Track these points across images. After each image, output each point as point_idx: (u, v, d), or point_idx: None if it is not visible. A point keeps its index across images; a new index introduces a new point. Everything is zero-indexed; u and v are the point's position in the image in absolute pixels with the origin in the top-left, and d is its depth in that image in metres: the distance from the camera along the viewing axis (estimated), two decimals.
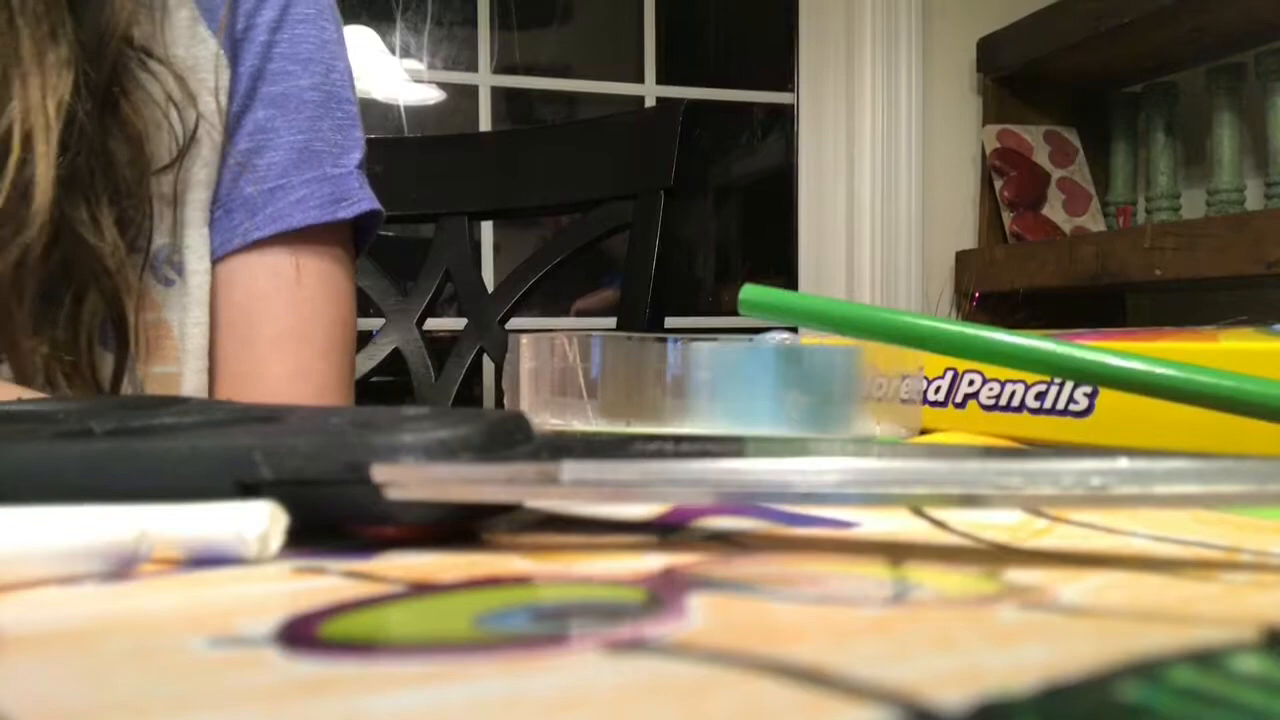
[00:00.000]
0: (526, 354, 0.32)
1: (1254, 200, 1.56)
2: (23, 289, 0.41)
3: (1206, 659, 0.11)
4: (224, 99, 0.48)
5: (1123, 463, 0.15)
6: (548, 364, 0.32)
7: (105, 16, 0.43)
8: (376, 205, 0.53)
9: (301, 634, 0.13)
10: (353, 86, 0.53)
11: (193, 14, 0.48)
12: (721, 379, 0.30)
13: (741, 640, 0.12)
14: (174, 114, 0.46)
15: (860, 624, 0.13)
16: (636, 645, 0.12)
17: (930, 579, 0.15)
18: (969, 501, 0.16)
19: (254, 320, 0.49)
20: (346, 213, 0.51)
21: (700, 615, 0.13)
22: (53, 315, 0.42)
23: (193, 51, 0.47)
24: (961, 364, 0.36)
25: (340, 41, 0.53)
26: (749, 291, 0.30)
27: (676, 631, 0.13)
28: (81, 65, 0.41)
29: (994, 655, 0.12)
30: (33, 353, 0.41)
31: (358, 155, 0.52)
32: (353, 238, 0.54)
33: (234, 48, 0.49)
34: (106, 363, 0.44)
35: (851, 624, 0.13)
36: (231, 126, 0.49)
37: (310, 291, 0.50)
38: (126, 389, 0.45)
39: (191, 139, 0.46)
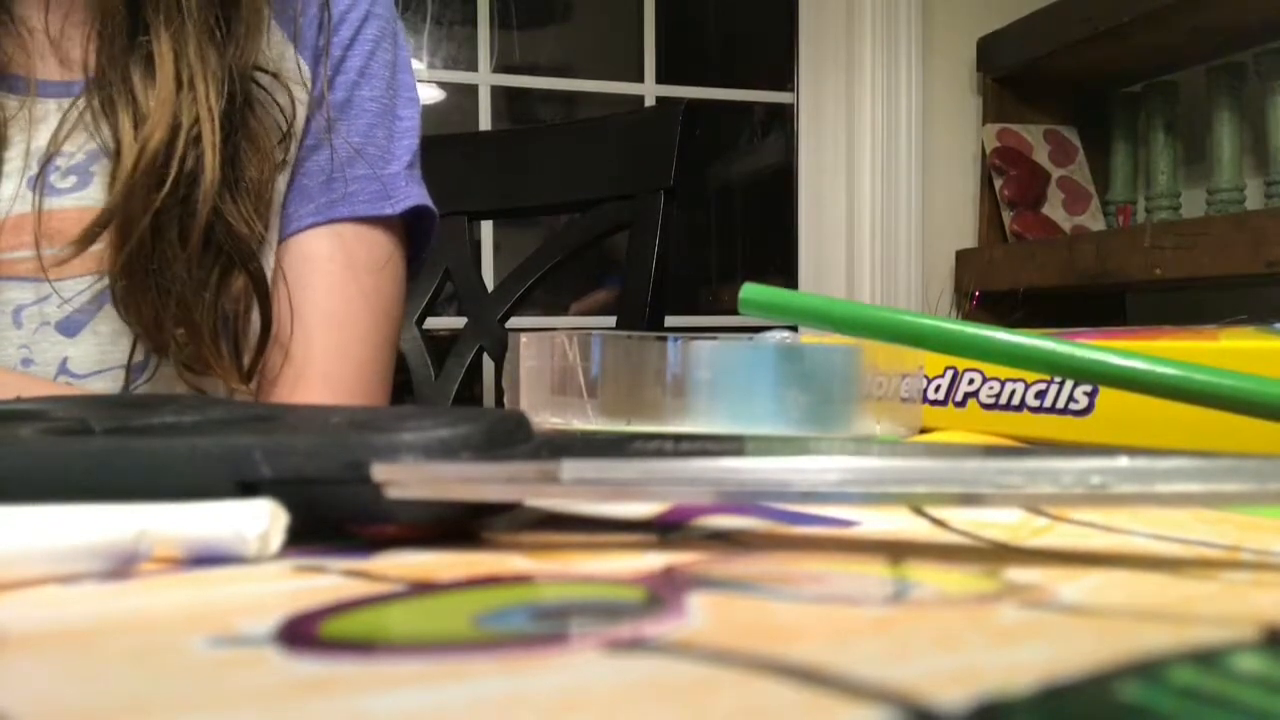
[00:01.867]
0: (526, 353, 0.32)
1: (1254, 200, 1.56)
2: (181, 274, 0.47)
3: (1206, 659, 0.11)
4: (305, 108, 0.54)
5: (1123, 461, 0.15)
6: (548, 363, 0.32)
7: (245, 39, 0.50)
8: (424, 201, 0.57)
9: (301, 633, 0.13)
10: (413, 102, 0.59)
11: (282, 35, 0.54)
12: (721, 378, 0.30)
13: (741, 640, 0.12)
14: (283, 122, 0.52)
15: (860, 623, 0.13)
16: (636, 645, 0.12)
17: (930, 578, 0.15)
18: (969, 500, 0.16)
19: (303, 298, 0.53)
20: (393, 209, 0.56)
21: (700, 614, 0.13)
22: (200, 300, 0.48)
23: (285, 67, 0.53)
24: (961, 363, 0.35)
25: (402, 65, 0.59)
26: (749, 290, 0.30)
27: (676, 631, 0.13)
28: (224, 78, 0.48)
29: (994, 655, 0.12)
30: (180, 335, 0.47)
31: (407, 158, 0.57)
32: (404, 235, 0.58)
33: (315, 64, 0.55)
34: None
35: (852, 623, 0.13)
36: (303, 127, 0.55)
37: (355, 276, 0.54)
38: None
39: (295, 144, 0.53)
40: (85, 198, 0.49)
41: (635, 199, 0.85)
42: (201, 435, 0.18)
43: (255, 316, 0.51)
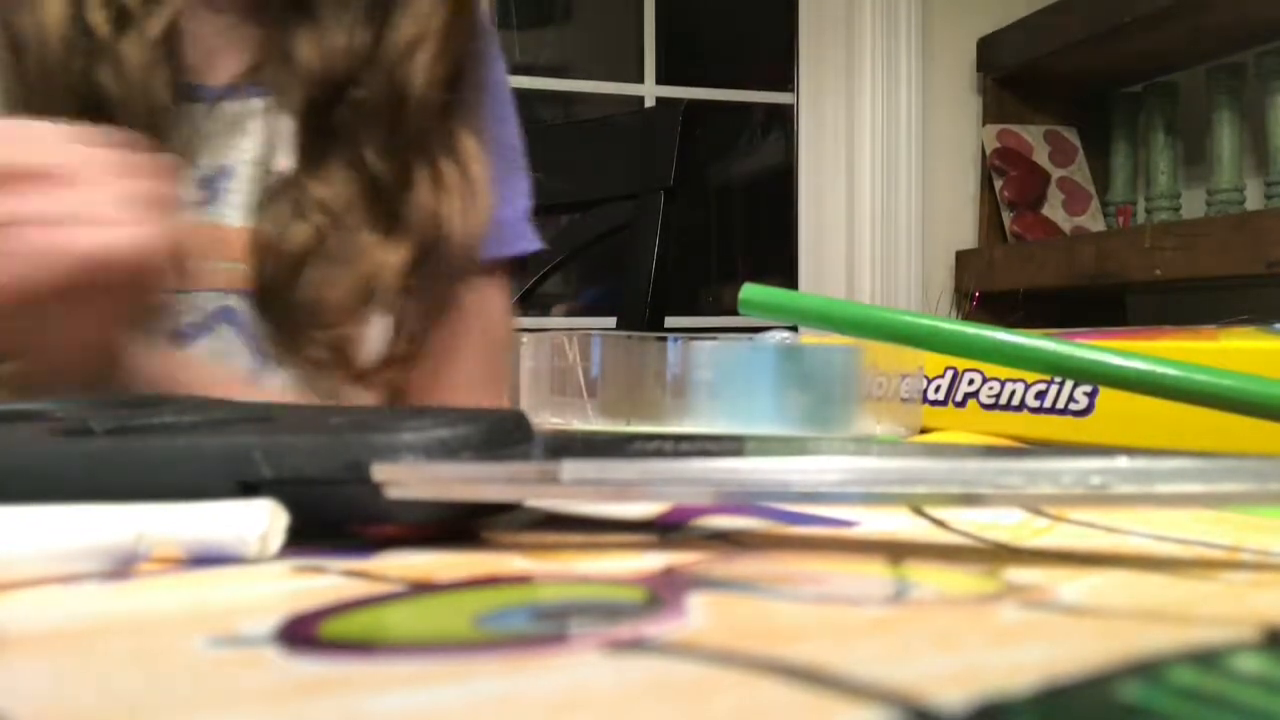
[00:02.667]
0: (526, 353, 0.32)
1: (1254, 200, 1.56)
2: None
3: (1206, 659, 0.11)
4: None
5: (1123, 462, 0.15)
6: (547, 363, 0.32)
7: None
8: (537, 247, 0.61)
9: (301, 633, 0.13)
10: (518, 135, 0.62)
11: None
12: (721, 378, 0.30)
13: (741, 640, 0.12)
14: None
15: (861, 623, 0.13)
16: (636, 645, 0.12)
17: (930, 578, 0.15)
18: (969, 500, 0.16)
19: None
20: (509, 251, 0.59)
21: (700, 615, 0.13)
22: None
23: None
24: (961, 363, 0.35)
25: (509, 98, 0.62)
26: (749, 291, 0.30)
27: (676, 631, 0.13)
28: None
29: (994, 655, 0.12)
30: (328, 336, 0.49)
31: (524, 202, 0.61)
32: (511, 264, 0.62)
33: None
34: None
35: (852, 623, 0.13)
36: None
37: (472, 309, 0.57)
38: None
39: None
40: (214, 214, 0.49)
41: (635, 199, 0.85)
42: (201, 435, 0.18)
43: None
